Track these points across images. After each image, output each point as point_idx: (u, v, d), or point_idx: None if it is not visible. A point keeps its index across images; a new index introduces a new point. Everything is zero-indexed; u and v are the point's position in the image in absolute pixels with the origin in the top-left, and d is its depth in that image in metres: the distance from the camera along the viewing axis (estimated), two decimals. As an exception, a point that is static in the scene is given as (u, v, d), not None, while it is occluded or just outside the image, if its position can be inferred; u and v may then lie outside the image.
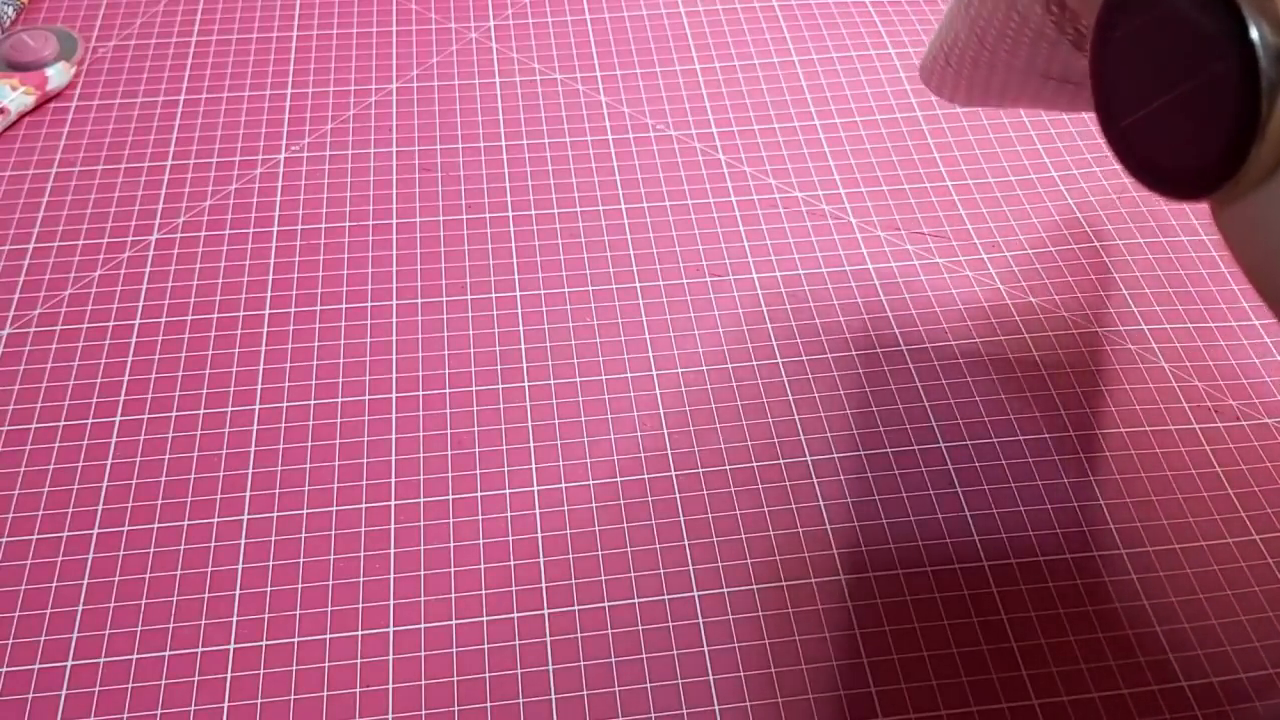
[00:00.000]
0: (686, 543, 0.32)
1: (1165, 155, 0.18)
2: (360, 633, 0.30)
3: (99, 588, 0.31)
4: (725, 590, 0.31)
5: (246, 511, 0.33)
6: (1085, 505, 0.33)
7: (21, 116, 0.44)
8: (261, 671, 0.30)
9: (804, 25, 0.49)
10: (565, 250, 0.40)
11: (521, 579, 0.31)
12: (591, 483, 0.33)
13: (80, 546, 0.32)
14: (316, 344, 0.37)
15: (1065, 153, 0.43)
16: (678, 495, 0.33)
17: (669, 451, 0.34)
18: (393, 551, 0.32)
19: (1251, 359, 0.37)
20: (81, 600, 0.31)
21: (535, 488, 0.33)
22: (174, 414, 0.35)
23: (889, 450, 0.34)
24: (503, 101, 0.45)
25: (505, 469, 0.34)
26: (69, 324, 0.37)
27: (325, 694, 0.29)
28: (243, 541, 0.32)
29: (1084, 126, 0.44)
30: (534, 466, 0.34)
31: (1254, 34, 0.16)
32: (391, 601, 0.31)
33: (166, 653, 0.30)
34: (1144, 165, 0.18)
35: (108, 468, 0.34)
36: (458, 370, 0.36)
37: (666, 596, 0.31)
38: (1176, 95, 0.18)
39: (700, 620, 0.31)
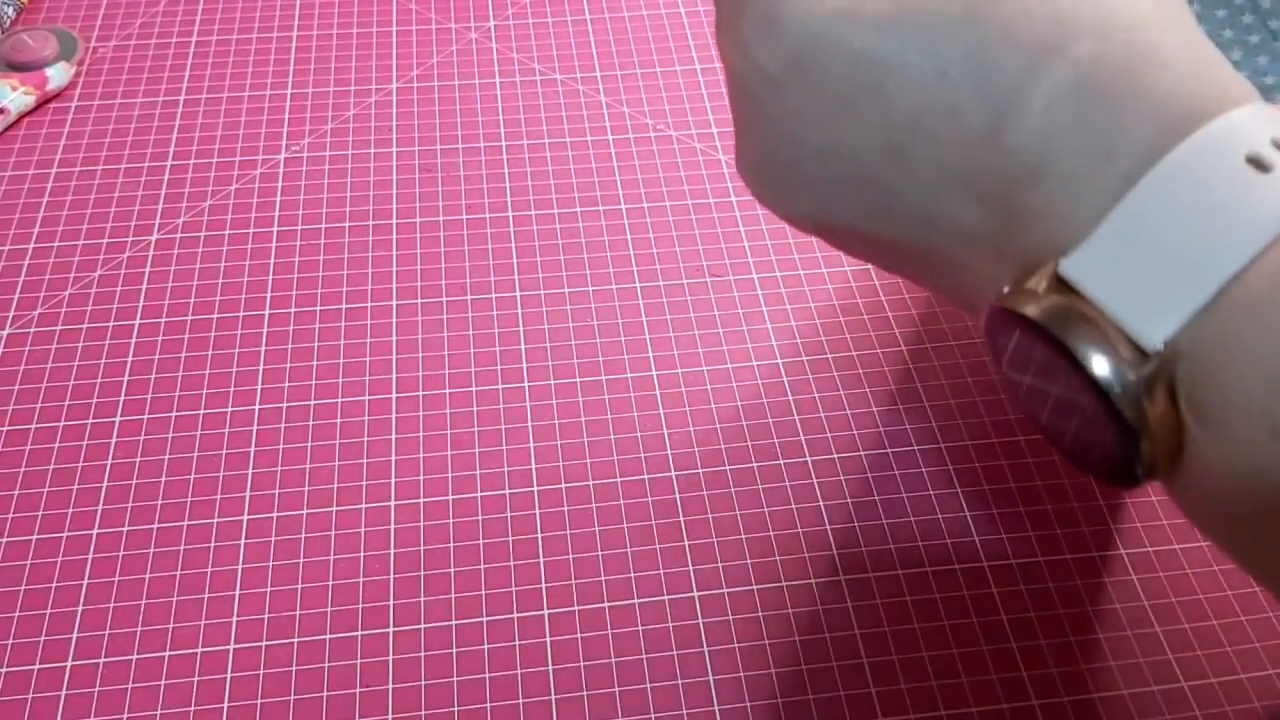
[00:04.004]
0: (686, 543, 0.32)
1: (1079, 457, 0.18)
2: (360, 633, 0.30)
3: (99, 588, 0.31)
4: (725, 590, 0.31)
5: (246, 511, 0.33)
6: (1085, 506, 0.33)
7: (21, 116, 0.44)
8: (261, 671, 0.30)
9: (804, 25, 0.49)
10: (565, 250, 0.40)
11: (521, 579, 0.31)
12: (591, 483, 0.33)
13: (80, 546, 0.32)
14: (316, 344, 0.37)
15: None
16: (678, 495, 0.33)
17: (669, 451, 0.34)
18: (393, 551, 0.32)
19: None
20: (81, 600, 0.31)
21: (535, 488, 0.33)
22: (174, 414, 0.35)
23: (889, 450, 0.34)
24: (503, 101, 0.45)
25: (505, 469, 0.34)
26: (69, 324, 0.37)
27: (325, 694, 0.29)
28: (243, 541, 0.32)
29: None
30: (534, 467, 0.34)
31: (1094, 370, 0.16)
32: (391, 602, 0.31)
33: (166, 653, 0.30)
34: (1070, 458, 0.18)
35: (108, 468, 0.34)
36: (458, 370, 0.36)
37: (666, 597, 0.31)
38: (1061, 410, 0.17)
39: (700, 620, 0.31)
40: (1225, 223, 0.15)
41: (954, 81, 0.17)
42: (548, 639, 0.30)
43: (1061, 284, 0.16)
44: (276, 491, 0.33)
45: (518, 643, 0.30)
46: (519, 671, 0.30)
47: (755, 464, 0.34)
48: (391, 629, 0.30)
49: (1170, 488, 0.17)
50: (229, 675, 0.30)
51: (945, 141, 0.17)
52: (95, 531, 0.32)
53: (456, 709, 0.29)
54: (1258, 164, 0.15)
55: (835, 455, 0.34)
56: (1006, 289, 0.17)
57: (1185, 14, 0.17)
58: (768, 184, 0.21)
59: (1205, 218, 0.15)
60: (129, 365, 0.36)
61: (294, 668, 0.30)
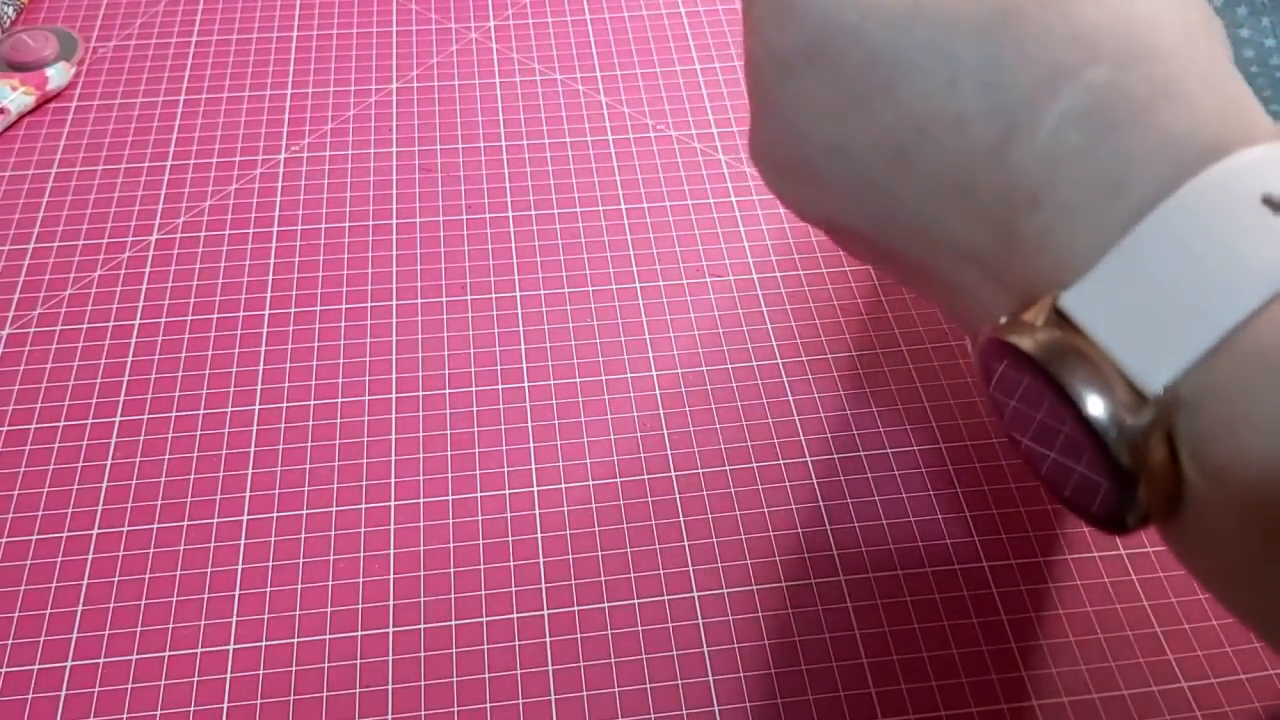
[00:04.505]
0: (686, 543, 0.32)
1: (1072, 500, 0.17)
2: (360, 633, 0.30)
3: (99, 588, 0.31)
4: (725, 590, 0.31)
5: (246, 511, 0.33)
6: (1085, 505, 0.33)
7: (21, 116, 0.44)
8: (261, 671, 0.30)
9: (804, 25, 0.49)
10: (565, 250, 0.40)
11: (521, 579, 0.31)
12: (591, 483, 0.33)
13: (80, 546, 0.32)
14: (316, 344, 0.37)
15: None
16: (678, 495, 0.33)
17: (669, 451, 0.34)
18: (393, 551, 0.32)
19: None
20: (81, 600, 0.31)
21: (535, 488, 0.33)
22: (174, 414, 0.35)
23: (889, 450, 0.34)
24: (503, 101, 0.45)
25: (505, 469, 0.34)
26: (69, 324, 0.37)
27: (325, 694, 0.29)
28: (243, 541, 0.32)
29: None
30: (534, 466, 0.34)
31: (1089, 411, 0.15)
32: (391, 602, 0.31)
33: (166, 653, 0.30)
34: (1067, 505, 0.18)
35: (108, 468, 0.34)
36: (458, 370, 0.36)
37: (666, 597, 0.31)
38: (1054, 451, 0.17)
39: (700, 620, 0.31)
40: (1234, 266, 0.14)
41: (963, 91, 0.16)
42: (548, 639, 0.30)
43: (1061, 318, 0.16)
44: (276, 491, 0.33)
45: (518, 643, 0.30)
46: (519, 671, 0.30)
47: (755, 464, 0.34)
48: (391, 629, 0.30)
49: (1163, 532, 0.17)
50: (229, 675, 0.30)
51: (949, 151, 0.17)
52: (95, 531, 0.32)
53: (456, 709, 0.29)
54: (1273, 205, 0.14)
55: (835, 455, 0.34)
56: (1004, 319, 0.17)
57: (1216, 47, 0.16)
58: (777, 175, 0.20)
59: (1213, 260, 0.14)
60: (129, 365, 0.36)
61: (294, 668, 0.30)
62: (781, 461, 0.34)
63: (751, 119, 0.20)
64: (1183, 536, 0.16)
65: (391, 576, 0.31)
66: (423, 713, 0.29)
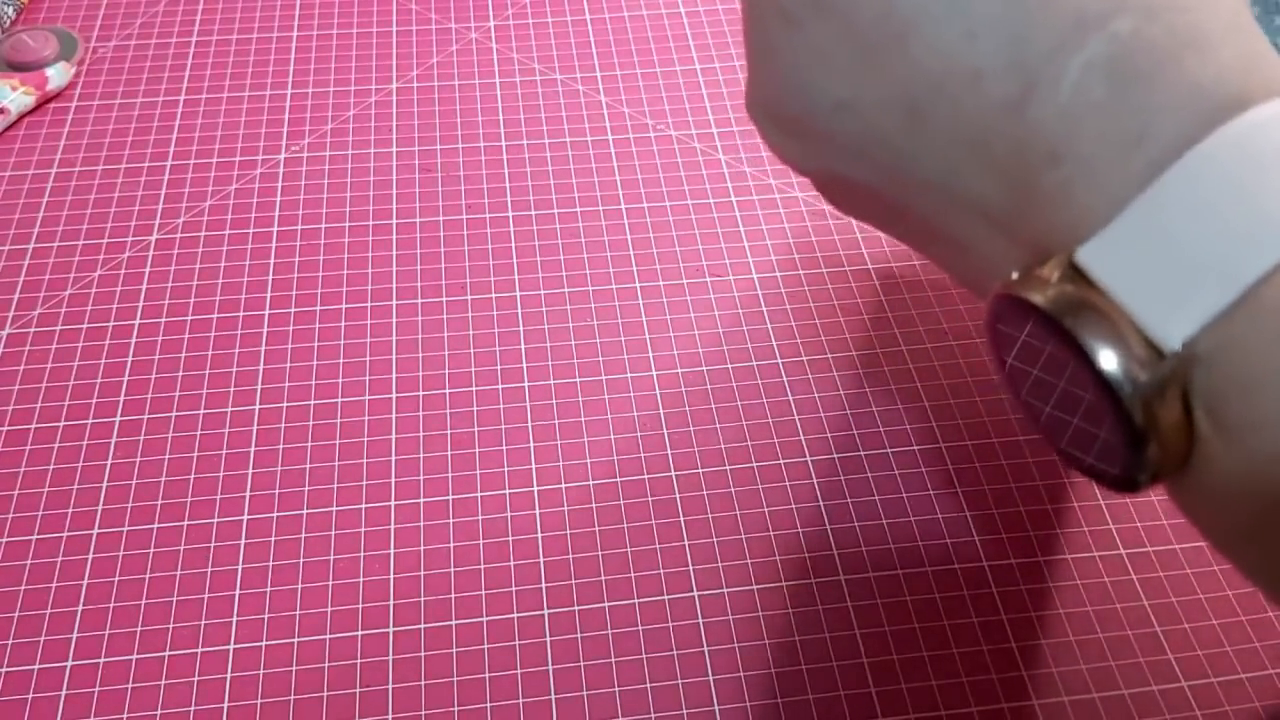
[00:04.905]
0: (686, 543, 0.32)
1: (1078, 459, 0.17)
2: (360, 633, 0.30)
3: (99, 588, 0.31)
4: (725, 590, 0.31)
5: (246, 511, 0.33)
6: (1086, 505, 0.33)
7: (21, 116, 0.44)
8: (261, 671, 0.30)
9: (804, 25, 0.49)
10: (565, 250, 0.40)
11: (521, 579, 0.31)
12: (591, 483, 0.33)
13: (80, 546, 0.32)
14: (316, 344, 0.37)
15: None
16: (678, 495, 0.33)
17: (669, 451, 0.34)
18: (393, 551, 0.32)
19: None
20: (81, 600, 0.31)
21: (535, 488, 0.33)
22: (174, 414, 0.35)
23: (889, 450, 0.34)
24: (503, 101, 0.45)
25: (505, 469, 0.34)
26: (69, 324, 0.37)
27: (325, 694, 0.29)
28: (243, 541, 0.32)
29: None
30: (534, 466, 0.34)
31: (1103, 366, 0.15)
32: (391, 601, 0.31)
33: (166, 653, 0.30)
34: (1068, 459, 0.17)
35: (108, 468, 0.34)
36: (458, 370, 0.36)
37: (666, 596, 0.31)
38: (1063, 407, 0.16)
39: (700, 620, 0.31)
40: (1256, 219, 0.14)
41: (982, 44, 0.16)
42: (548, 639, 0.30)
43: (1076, 273, 0.15)
44: (276, 491, 0.33)
45: (518, 643, 0.30)
46: (519, 671, 0.30)
47: (755, 464, 0.34)
48: (391, 629, 0.30)
49: (1172, 489, 0.16)
50: (229, 675, 0.30)
51: (966, 106, 0.16)
52: (95, 531, 0.32)
53: (456, 709, 0.29)
54: None
55: (835, 455, 0.34)
56: (1016, 274, 0.16)
57: (1241, 2, 0.16)
58: (778, 130, 0.19)
59: (1235, 213, 0.14)
60: (129, 365, 0.36)
61: (294, 668, 0.30)
62: (781, 461, 0.34)
63: (749, 71, 0.19)
64: (1194, 494, 0.15)
65: (391, 576, 0.31)
66: (423, 713, 0.29)
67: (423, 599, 0.31)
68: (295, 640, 0.30)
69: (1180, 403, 0.15)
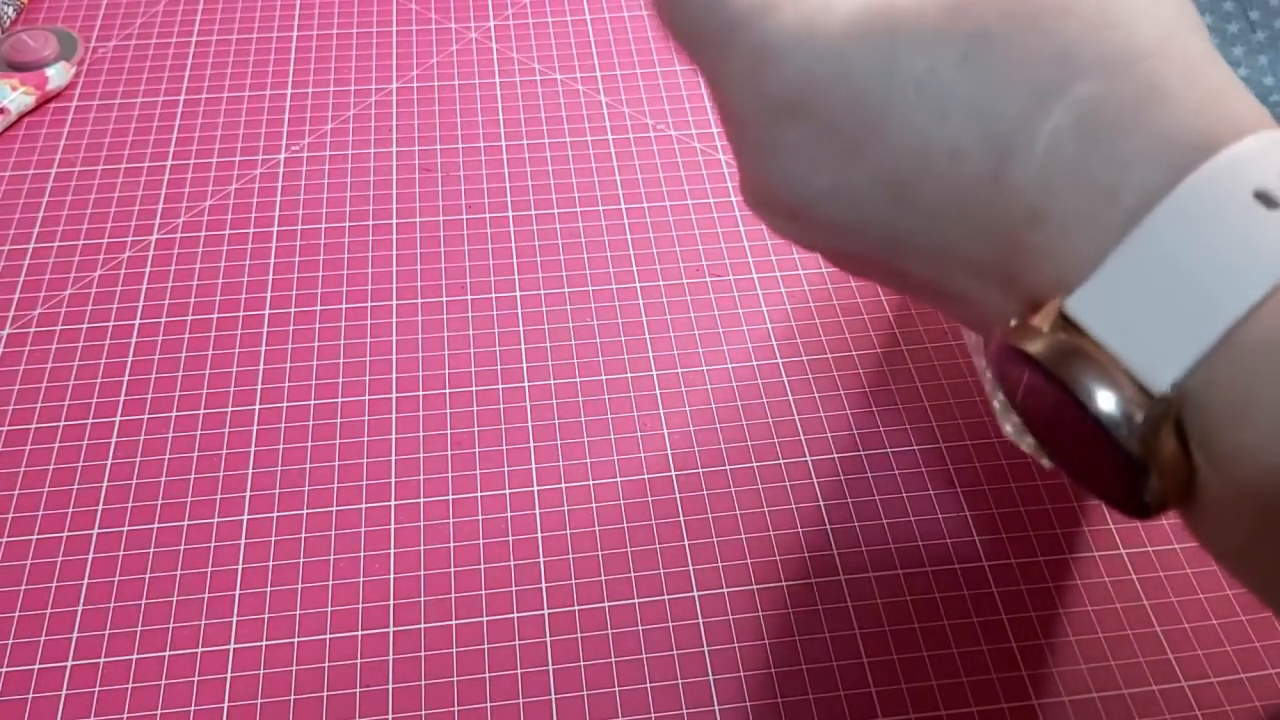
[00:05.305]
0: (686, 543, 0.32)
1: (1094, 489, 0.18)
2: (360, 633, 0.30)
3: (99, 588, 0.31)
4: (725, 590, 0.31)
5: (246, 511, 0.33)
6: (1086, 505, 0.33)
7: (21, 116, 0.44)
8: (261, 671, 0.30)
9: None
10: (565, 250, 0.40)
11: (521, 579, 0.31)
12: (591, 483, 0.33)
13: (80, 546, 0.32)
14: (316, 344, 0.37)
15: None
16: (678, 495, 0.33)
17: (669, 451, 0.34)
18: (393, 551, 0.32)
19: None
20: (81, 600, 0.31)
21: (535, 488, 0.33)
22: (174, 414, 0.35)
23: (889, 450, 0.34)
24: (503, 101, 0.45)
25: (505, 469, 0.34)
26: (69, 324, 0.37)
27: (325, 694, 0.29)
28: (243, 541, 0.32)
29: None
30: (534, 466, 0.34)
31: (1099, 408, 0.15)
32: (391, 601, 0.31)
33: (166, 653, 0.30)
34: (1090, 491, 0.18)
35: (108, 468, 0.34)
36: (458, 370, 0.36)
37: (666, 596, 0.31)
38: (1070, 444, 0.17)
39: (700, 620, 0.31)
40: (1230, 264, 0.14)
41: (954, 123, 0.16)
42: (548, 639, 0.30)
43: (1067, 321, 0.16)
44: (276, 491, 0.33)
45: (518, 643, 0.30)
46: (519, 671, 0.30)
47: (755, 464, 0.34)
48: (391, 629, 0.30)
49: (1182, 515, 0.17)
50: (229, 675, 0.30)
51: (948, 181, 0.17)
52: (95, 531, 0.32)
53: (456, 709, 0.29)
54: (1266, 199, 0.14)
55: (835, 455, 0.34)
56: (1013, 323, 0.17)
57: (1194, 38, 0.17)
58: (775, 218, 0.20)
59: (1209, 259, 0.15)
60: (129, 365, 0.36)
61: (294, 668, 0.30)
62: (781, 461, 0.34)
63: (740, 168, 0.20)
64: (1198, 519, 0.16)
65: (391, 576, 0.31)
66: (423, 713, 0.29)
67: (423, 599, 0.31)
68: (295, 640, 0.30)
69: (1175, 437, 0.15)
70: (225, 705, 0.29)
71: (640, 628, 0.31)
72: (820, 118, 0.17)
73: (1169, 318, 0.15)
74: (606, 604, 0.31)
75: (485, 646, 0.30)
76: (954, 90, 0.16)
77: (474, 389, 0.36)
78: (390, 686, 0.29)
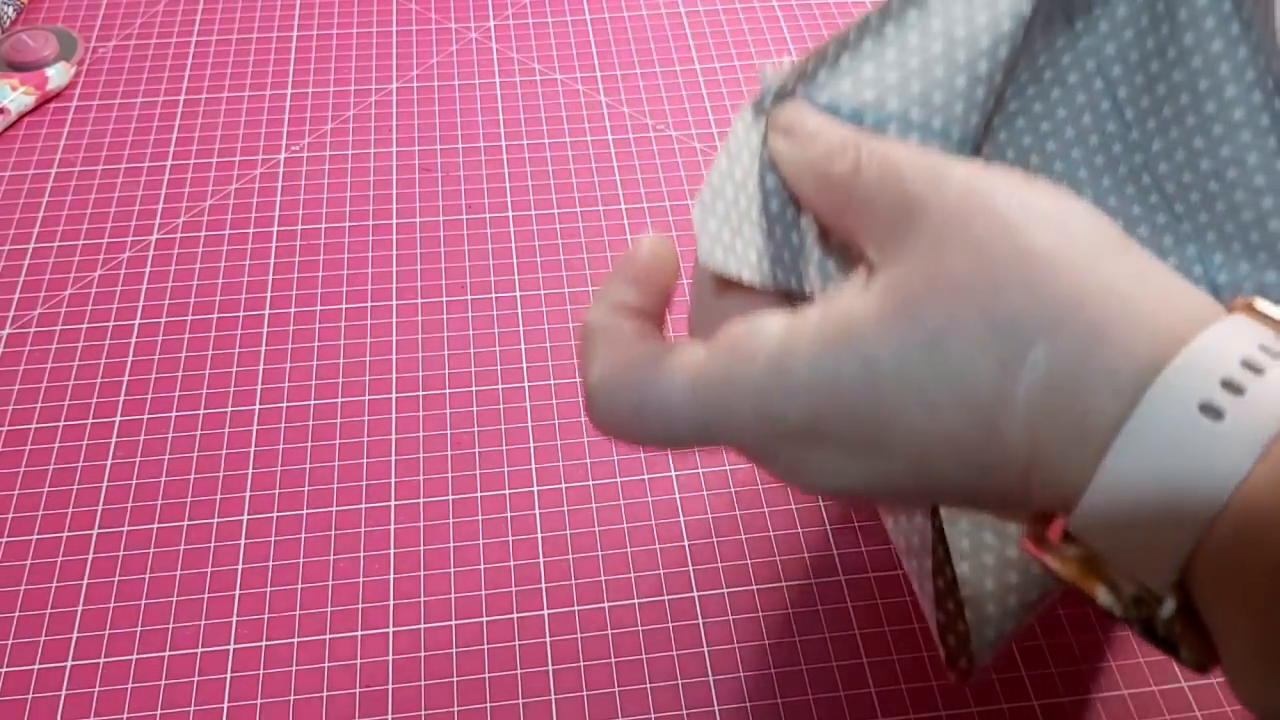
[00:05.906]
0: (686, 543, 0.32)
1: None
2: (360, 633, 0.30)
3: (99, 588, 0.31)
4: (725, 590, 0.31)
5: (246, 511, 0.33)
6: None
7: (21, 116, 0.44)
8: (261, 671, 0.30)
9: (804, 25, 0.49)
10: (565, 250, 0.40)
11: (521, 579, 0.31)
12: (591, 483, 0.33)
13: (80, 546, 0.32)
14: (316, 344, 0.37)
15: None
16: (678, 495, 0.33)
17: (668, 451, 0.34)
18: (393, 551, 0.32)
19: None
20: (81, 600, 0.31)
21: (535, 488, 0.33)
22: (174, 414, 0.35)
23: (889, 450, 0.34)
24: (503, 101, 0.45)
25: (505, 469, 0.34)
26: (69, 324, 0.37)
27: (325, 694, 0.29)
28: (243, 541, 0.32)
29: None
30: (534, 466, 0.34)
31: (1117, 614, 0.18)
32: (391, 601, 0.31)
33: (166, 653, 0.30)
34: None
35: (108, 468, 0.34)
36: (458, 370, 0.36)
37: (666, 596, 0.31)
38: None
39: (700, 620, 0.31)
40: (1189, 482, 0.16)
41: (945, 413, 0.19)
42: (548, 639, 0.30)
43: (1074, 536, 0.18)
44: (276, 491, 0.33)
45: (518, 643, 0.30)
46: (519, 671, 0.30)
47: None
48: (391, 629, 0.30)
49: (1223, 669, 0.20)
50: (229, 675, 0.30)
51: (954, 456, 0.19)
52: (95, 531, 0.32)
53: (456, 709, 0.29)
54: (1211, 411, 0.16)
55: (835, 455, 0.34)
56: (1033, 532, 0.19)
57: (1120, 258, 0.18)
58: (800, 490, 0.23)
59: (1169, 477, 0.16)
60: (129, 365, 0.36)
61: (294, 668, 0.30)
62: (781, 461, 0.34)
63: (756, 465, 0.22)
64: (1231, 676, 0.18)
65: (391, 576, 0.31)
66: (423, 713, 0.29)
67: (423, 599, 0.31)
68: (295, 640, 0.30)
69: (1192, 621, 0.18)
70: (225, 705, 0.29)
71: (640, 628, 0.30)
72: (837, 440, 0.20)
73: (1149, 533, 0.17)
74: (606, 604, 0.31)
75: (485, 647, 0.30)
76: (937, 383, 0.18)
77: (474, 389, 0.36)
78: (390, 686, 0.29)
